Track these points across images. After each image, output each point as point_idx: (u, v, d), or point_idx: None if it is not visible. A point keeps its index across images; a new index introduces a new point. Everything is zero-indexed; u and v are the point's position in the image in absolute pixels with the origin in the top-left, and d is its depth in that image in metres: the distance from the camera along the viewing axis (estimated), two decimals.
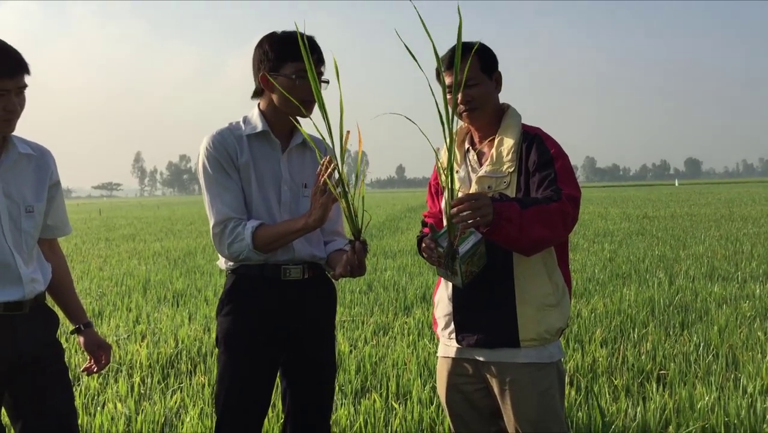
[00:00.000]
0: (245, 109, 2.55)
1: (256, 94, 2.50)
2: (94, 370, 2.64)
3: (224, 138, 2.42)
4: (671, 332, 5.73)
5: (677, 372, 4.50)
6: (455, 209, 2.08)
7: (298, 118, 2.45)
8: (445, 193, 2.54)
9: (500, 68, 2.50)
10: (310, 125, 2.30)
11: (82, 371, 2.65)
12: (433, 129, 2.17)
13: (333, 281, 2.63)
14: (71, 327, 2.65)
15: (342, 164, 2.19)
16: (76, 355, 5.13)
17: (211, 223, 2.43)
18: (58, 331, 2.52)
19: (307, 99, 2.33)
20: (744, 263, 9.69)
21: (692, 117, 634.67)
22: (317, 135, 2.27)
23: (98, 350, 2.63)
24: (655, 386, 4.27)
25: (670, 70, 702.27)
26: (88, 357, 2.65)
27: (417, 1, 2.04)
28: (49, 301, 2.50)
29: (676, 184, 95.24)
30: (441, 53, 2.35)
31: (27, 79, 2.21)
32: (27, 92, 2.25)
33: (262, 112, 2.48)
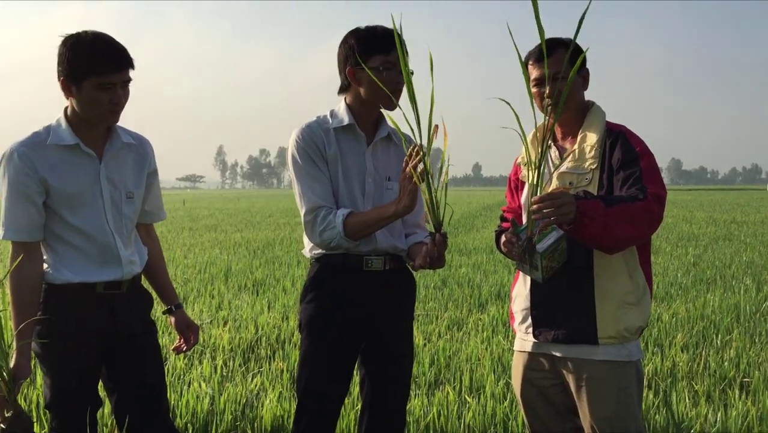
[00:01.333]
0: (324, 104, 2.63)
1: (342, 89, 2.57)
2: (184, 349, 2.79)
3: (313, 131, 2.51)
4: (757, 340, 5.53)
5: (762, 381, 4.35)
6: (536, 206, 2.10)
7: (384, 112, 2.52)
8: (526, 189, 2.56)
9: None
10: (397, 118, 2.36)
11: (173, 349, 2.80)
12: (513, 125, 2.19)
13: (413, 273, 2.69)
14: (162, 308, 2.80)
15: (428, 156, 2.24)
16: (162, 336, 5.39)
17: (302, 211, 2.51)
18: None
19: (395, 90, 2.40)
20: None
21: None
22: (402, 129, 2.34)
23: (188, 330, 2.77)
24: (737, 393, 4.14)
25: (763, 70, 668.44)
26: (178, 337, 2.80)
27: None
28: (144, 282, 2.67)
29: None
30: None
31: (131, 73, 2.37)
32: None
33: (349, 106, 2.54)
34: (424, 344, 5.25)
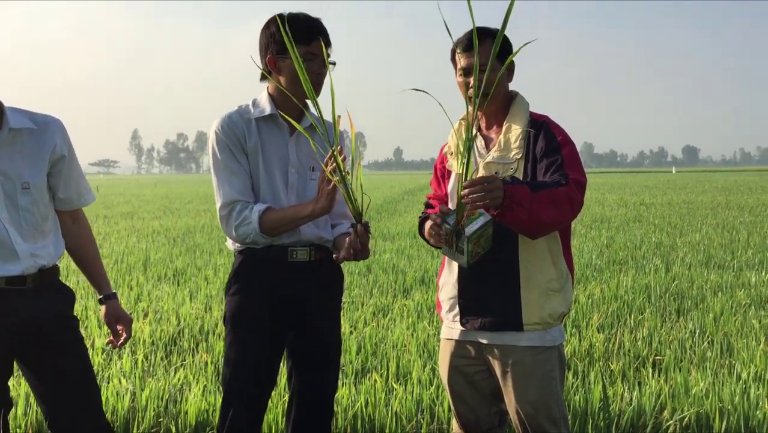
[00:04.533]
0: (246, 87, 2.58)
1: (264, 77, 2.52)
2: (116, 343, 2.66)
3: (233, 122, 2.45)
4: (667, 319, 5.80)
5: (673, 358, 4.57)
6: (467, 190, 2.12)
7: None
8: (453, 177, 2.58)
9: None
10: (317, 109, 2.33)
11: (107, 344, 2.68)
12: (438, 112, 2.22)
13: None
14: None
15: (336, 148, 2.21)
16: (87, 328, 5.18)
17: (218, 205, 2.46)
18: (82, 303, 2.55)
19: (316, 81, 2.36)
20: (740, 251, 9.76)
21: (690, 105, 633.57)
22: (328, 119, 2.31)
23: (116, 322, 2.64)
24: (650, 371, 4.34)
25: (669, 58, 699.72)
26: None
27: None
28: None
29: (674, 171, 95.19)
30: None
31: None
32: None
33: (271, 96, 2.50)
34: (351, 332, 5.25)
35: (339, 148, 2.22)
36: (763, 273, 7.87)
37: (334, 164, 2.22)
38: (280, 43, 2.37)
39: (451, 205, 2.55)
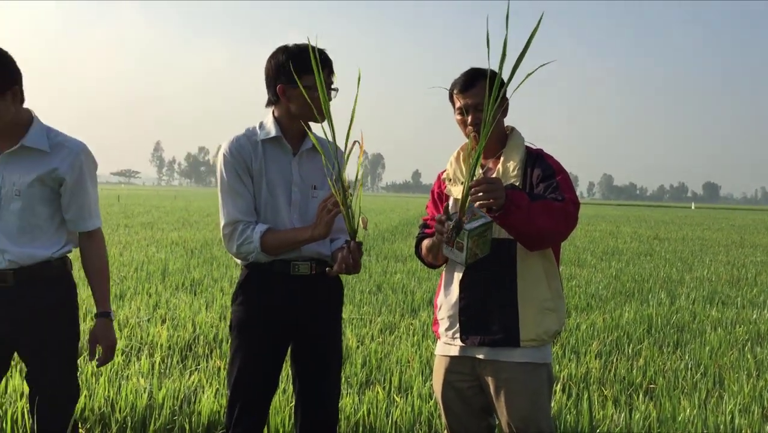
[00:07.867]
0: (262, 109, 2.77)
1: (270, 103, 2.72)
2: (97, 361, 2.76)
3: (241, 145, 2.66)
4: (665, 350, 5.97)
5: (665, 387, 4.74)
6: (474, 189, 2.31)
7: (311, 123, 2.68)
8: (451, 201, 2.80)
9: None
10: (319, 129, 2.55)
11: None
12: (455, 139, 2.37)
13: (340, 277, 2.83)
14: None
15: (344, 170, 2.43)
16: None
17: (222, 224, 2.68)
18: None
19: (321, 108, 2.55)
20: (746, 288, 9.87)
21: (713, 141, 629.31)
22: (325, 138, 2.52)
23: (95, 342, 2.74)
24: (642, 398, 4.51)
25: (694, 93, 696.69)
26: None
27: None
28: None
29: (693, 207, 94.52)
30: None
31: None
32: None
33: (276, 119, 2.70)
34: (357, 346, 5.48)
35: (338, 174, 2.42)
36: (766, 311, 7.99)
37: (340, 184, 2.43)
38: (289, 72, 2.56)
39: (454, 200, 2.75)
